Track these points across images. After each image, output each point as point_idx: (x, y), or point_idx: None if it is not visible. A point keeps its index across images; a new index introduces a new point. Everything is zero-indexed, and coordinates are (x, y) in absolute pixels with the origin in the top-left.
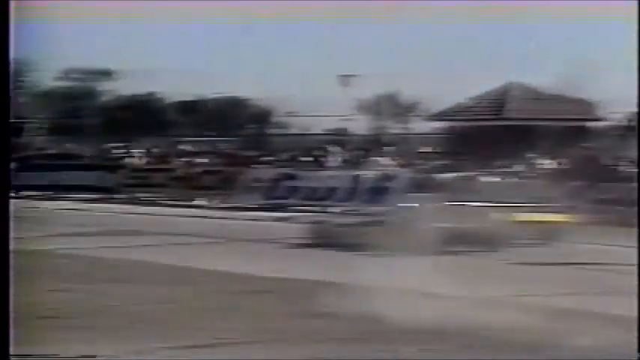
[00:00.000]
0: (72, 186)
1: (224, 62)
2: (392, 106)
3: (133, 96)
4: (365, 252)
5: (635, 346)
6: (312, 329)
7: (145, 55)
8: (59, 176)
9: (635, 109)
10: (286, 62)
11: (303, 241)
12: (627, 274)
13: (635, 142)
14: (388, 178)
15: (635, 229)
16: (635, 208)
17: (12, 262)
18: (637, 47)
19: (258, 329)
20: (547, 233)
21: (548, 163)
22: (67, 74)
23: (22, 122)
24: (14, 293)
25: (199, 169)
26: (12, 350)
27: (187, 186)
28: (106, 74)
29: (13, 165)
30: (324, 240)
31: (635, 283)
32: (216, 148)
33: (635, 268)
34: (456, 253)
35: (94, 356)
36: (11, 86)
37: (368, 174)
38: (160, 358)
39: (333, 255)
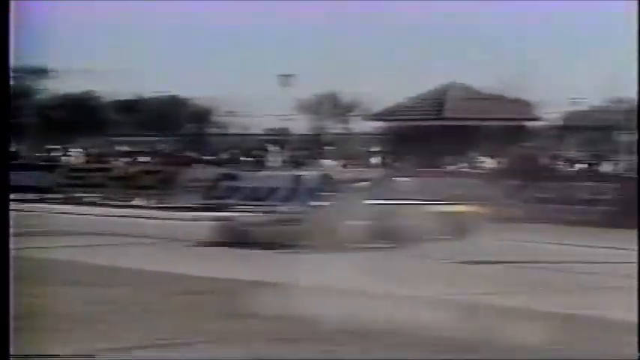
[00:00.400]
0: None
1: (163, 61)
2: (332, 106)
3: (71, 95)
4: (278, 250)
5: (636, 346)
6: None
7: (83, 54)
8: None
9: (566, 109)
10: (225, 62)
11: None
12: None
13: (565, 142)
14: (316, 178)
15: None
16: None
17: None
18: (637, 47)
19: (186, 330)
20: (460, 228)
21: (487, 163)
22: None
23: None
24: None
25: (138, 169)
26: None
27: (126, 186)
28: (42, 72)
29: None
30: (232, 238)
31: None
32: (155, 147)
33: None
34: (367, 249)
35: (94, 356)
36: None
37: (307, 174)
38: (161, 358)
39: (252, 254)
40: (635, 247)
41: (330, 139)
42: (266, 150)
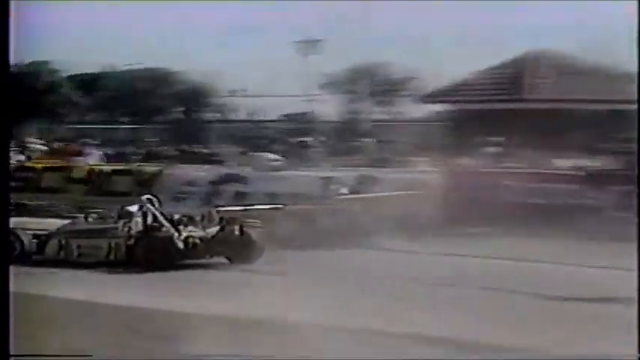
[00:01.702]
0: None
1: (139, 20)
2: (371, 83)
3: (14, 67)
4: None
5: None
6: None
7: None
8: None
9: None
10: (227, 22)
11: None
12: None
13: None
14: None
15: None
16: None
17: None
18: (637, 47)
19: None
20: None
21: (586, 161)
22: None
23: None
24: None
25: (107, 168)
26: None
27: (91, 191)
28: None
29: None
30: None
31: None
32: (130, 138)
33: None
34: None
35: (91, 355)
36: None
37: (338, 175)
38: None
39: None
40: None
41: (368, 127)
42: (286, 142)
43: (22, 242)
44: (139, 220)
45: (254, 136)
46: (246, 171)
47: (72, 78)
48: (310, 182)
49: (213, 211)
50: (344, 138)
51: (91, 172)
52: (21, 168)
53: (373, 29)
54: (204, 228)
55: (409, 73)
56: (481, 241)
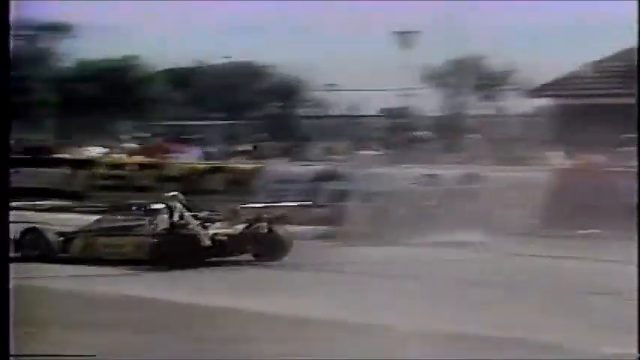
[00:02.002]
0: (15, 189)
1: (231, 14)
2: (473, 76)
3: (103, 61)
4: None
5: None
6: None
7: (120, 6)
8: None
9: None
10: (323, 16)
11: None
12: None
13: None
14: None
15: None
16: None
17: None
18: (637, 47)
19: None
20: None
21: None
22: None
23: None
24: None
25: (201, 166)
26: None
27: (183, 189)
28: (62, 30)
29: None
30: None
31: None
32: (225, 134)
33: None
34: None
35: (94, 356)
36: None
37: (445, 173)
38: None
39: None
40: None
41: (470, 123)
42: (385, 138)
43: (47, 240)
44: (165, 217)
45: (352, 132)
46: (346, 167)
47: (163, 73)
48: (412, 179)
49: (239, 208)
50: (445, 134)
51: (184, 169)
52: (114, 166)
53: (476, 21)
54: (230, 225)
55: (513, 66)
56: (592, 244)
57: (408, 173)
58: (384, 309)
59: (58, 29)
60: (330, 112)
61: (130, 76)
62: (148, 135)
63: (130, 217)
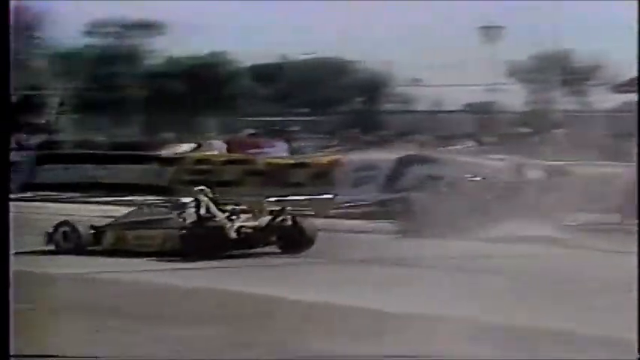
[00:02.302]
0: (106, 184)
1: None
2: (560, 71)
3: (189, 58)
4: None
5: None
6: None
7: (203, 4)
8: (88, 171)
9: None
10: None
11: None
12: None
13: None
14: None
15: None
16: None
17: None
18: (637, 47)
19: None
20: None
21: None
22: (97, 29)
23: (37, 95)
24: None
25: (285, 160)
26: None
27: (267, 183)
28: (149, 28)
29: (24, 155)
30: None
31: None
32: (310, 129)
33: None
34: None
35: (94, 356)
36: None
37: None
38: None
39: None
40: None
41: (556, 118)
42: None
43: (78, 233)
44: (193, 211)
45: (436, 127)
46: (429, 154)
47: (249, 69)
48: (499, 169)
49: (264, 201)
50: (530, 129)
51: (269, 164)
52: (201, 161)
53: (561, 15)
54: (255, 218)
55: (599, 61)
56: None
57: (490, 164)
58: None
59: (148, 27)
60: (415, 107)
61: (216, 73)
62: (235, 131)
63: (160, 210)
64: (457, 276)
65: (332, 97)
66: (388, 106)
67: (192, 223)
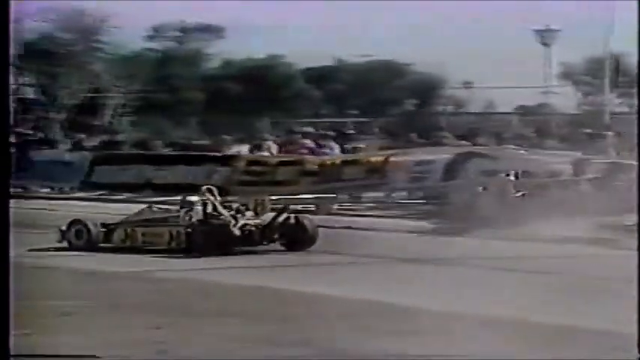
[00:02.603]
0: (162, 185)
1: (369, 14)
2: (614, 74)
3: (247, 60)
4: None
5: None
6: None
7: (260, 7)
8: (145, 171)
9: None
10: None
11: None
12: None
13: None
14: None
15: None
16: None
17: None
18: (637, 47)
19: None
20: None
21: None
22: (158, 32)
23: (99, 97)
24: None
25: (337, 159)
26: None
27: (320, 181)
28: (208, 31)
29: (88, 155)
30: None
31: None
32: (363, 130)
33: None
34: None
35: (95, 356)
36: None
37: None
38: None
39: None
40: None
41: (608, 121)
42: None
43: (89, 231)
44: (199, 209)
45: (489, 128)
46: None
47: (306, 71)
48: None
49: (267, 199)
50: (582, 130)
51: (322, 164)
52: (256, 162)
53: (614, 19)
54: (258, 216)
55: None
56: None
57: (552, 161)
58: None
59: (207, 30)
60: (468, 109)
61: (272, 75)
62: (290, 132)
63: (169, 209)
64: (513, 276)
65: (385, 99)
66: (441, 108)
67: (199, 220)
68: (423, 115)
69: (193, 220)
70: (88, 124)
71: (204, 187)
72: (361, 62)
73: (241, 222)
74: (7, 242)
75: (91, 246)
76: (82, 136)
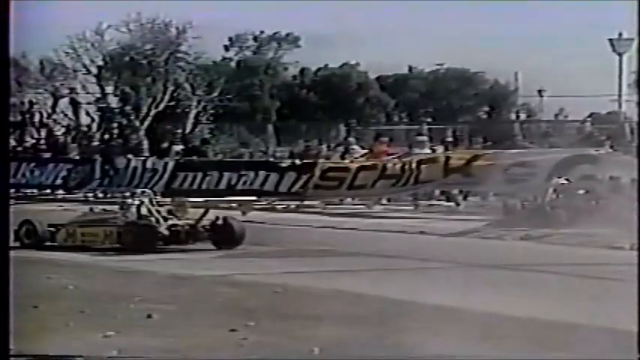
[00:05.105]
0: (240, 191)
1: (437, 22)
2: None
3: (323, 69)
4: None
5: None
6: None
7: (336, 16)
8: (223, 178)
9: None
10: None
11: None
12: None
13: None
14: None
15: None
16: None
17: None
18: (637, 47)
19: None
20: None
21: None
22: (237, 42)
23: (179, 105)
24: None
25: (415, 162)
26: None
27: (398, 184)
28: (286, 41)
29: (169, 161)
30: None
31: None
32: (436, 137)
33: None
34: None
35: (95, 356)
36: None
37: None
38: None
39: None
40: None
41: None
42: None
43: (36, 230)
44: (134, 210)
45: (562, 136)
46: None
47: (380, 80)
48: None
49: (185, 201)
50: None
51: (402, 167)
52: (333, 168)
53: None
54: (180, 217)
55: None
56: None
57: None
58: None
59: (283, 40)
60: (540, 117)
61: (348, 83)
62: (364, 139)
63: (110, 210)
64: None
65: (457, 107)
66: (513, 116)
67: (130, 221)
68: (495, 122)
69: (128, 220)
70: (170, 131)
71: (140, 190)
72: (435, 70)
73: (169, 222)
74: (7, 242)
75: (39, 245)
76: (165, 144)
